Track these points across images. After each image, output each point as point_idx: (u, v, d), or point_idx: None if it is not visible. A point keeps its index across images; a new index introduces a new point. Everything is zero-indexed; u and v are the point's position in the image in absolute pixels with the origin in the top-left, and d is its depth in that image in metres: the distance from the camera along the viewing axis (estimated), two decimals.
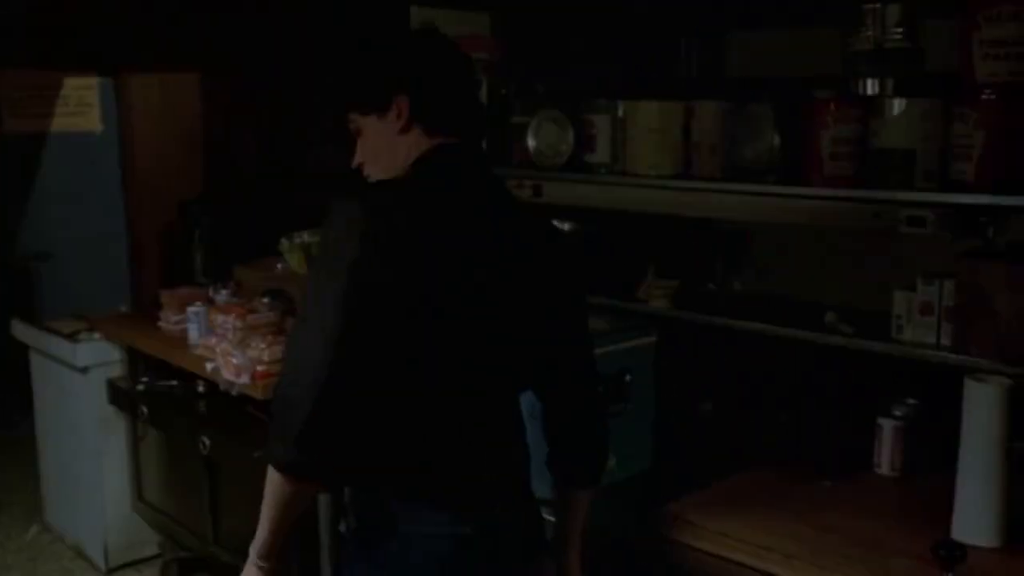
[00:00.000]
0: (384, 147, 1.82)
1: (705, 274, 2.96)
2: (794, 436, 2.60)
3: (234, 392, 3.14)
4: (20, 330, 4.24)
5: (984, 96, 2.02)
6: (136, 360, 3.87)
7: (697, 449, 2.63)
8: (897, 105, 2.16)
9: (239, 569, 1.87)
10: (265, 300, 3.41)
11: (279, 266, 3.62)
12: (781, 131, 2.35)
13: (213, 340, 3.29)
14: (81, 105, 5.59)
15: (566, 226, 3.03)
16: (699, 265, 2.97)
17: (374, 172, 1.85)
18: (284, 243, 3.52)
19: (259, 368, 3.07)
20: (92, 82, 5.59)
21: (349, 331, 1.63)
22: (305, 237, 3.47)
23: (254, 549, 1.82)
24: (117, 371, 3.92)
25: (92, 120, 5.63)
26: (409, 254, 1.69)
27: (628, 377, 2.40)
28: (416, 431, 1.75)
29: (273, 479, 1.73)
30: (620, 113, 2.67)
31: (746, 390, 2.75)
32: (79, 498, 4.09)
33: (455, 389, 1.78)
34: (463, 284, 1.74)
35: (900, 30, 2.22)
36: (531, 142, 2.83)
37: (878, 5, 2.23)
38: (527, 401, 1.93)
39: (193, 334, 3.47)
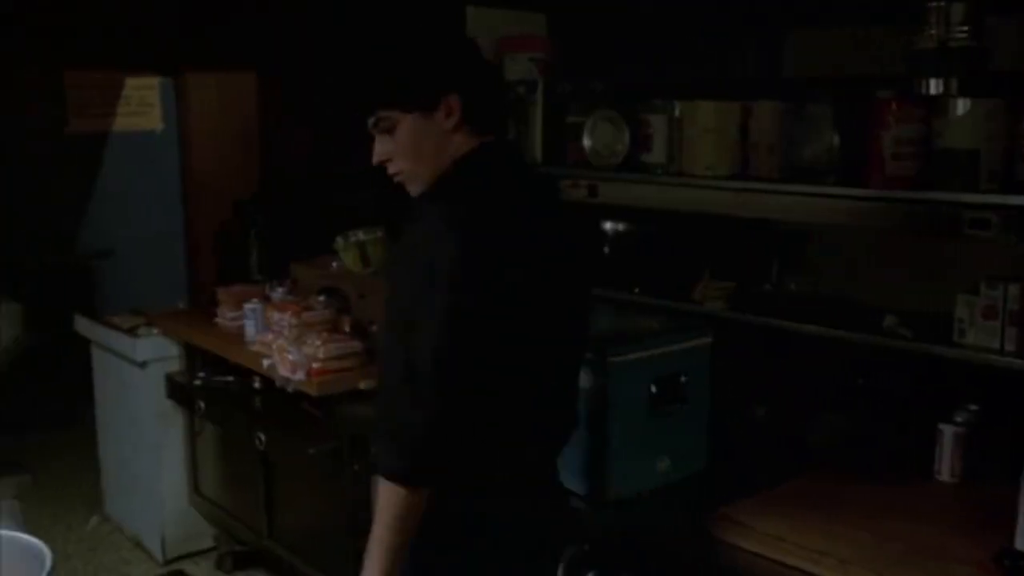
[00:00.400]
0: (428, 146, 1.80)
1: (761, 275, 2.94)
2: (850, 441, 2.57)
3: (290, 389, 3.17)
4: (83, 325, 4.33)
5: None
6: (193, 355, 3.92)
7: (752, 451, 2.61)
8: (961, 105, 2.12)
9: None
10: (321, 298, 3.44)
11: (334, 264, 3.65)
12: (841, 131, 2.32)
13: (269, 337, 3.32)
14: (142, 105, 5.69)
15: (620, 226, 3.03)
16: (755, 266, 2.94)
17: (409, 170, 1.83)
18: (339, 241, 3.54)
19: (314, 365, 3.10)
20: (153, 82, 5.69)
21: (460, 336, 1.65)
22: (360, 235, 3.49)
23: None
24: (175, 366, 3.98)
25: (153, 119, 5.73)
26: (501, 257, 1.72)
27: (683, 378, 2.39)
28: (508, 428, 1.81)
29: (391, 495, 1.69)
30: (677, 113, 2.66)
31: (802, 393, 2.72)
32: (137, 490, 4.16)
33: (540, 387, 1.86)
34: (539, 284, 1.80)
35: (965, 28, 2.18)
36: (587, 142, 2.83)
37: (942, 3, 2.20)
38: None
39: (250, 331, 3.51)
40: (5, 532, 1.61)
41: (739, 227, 2.83)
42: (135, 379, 4.01)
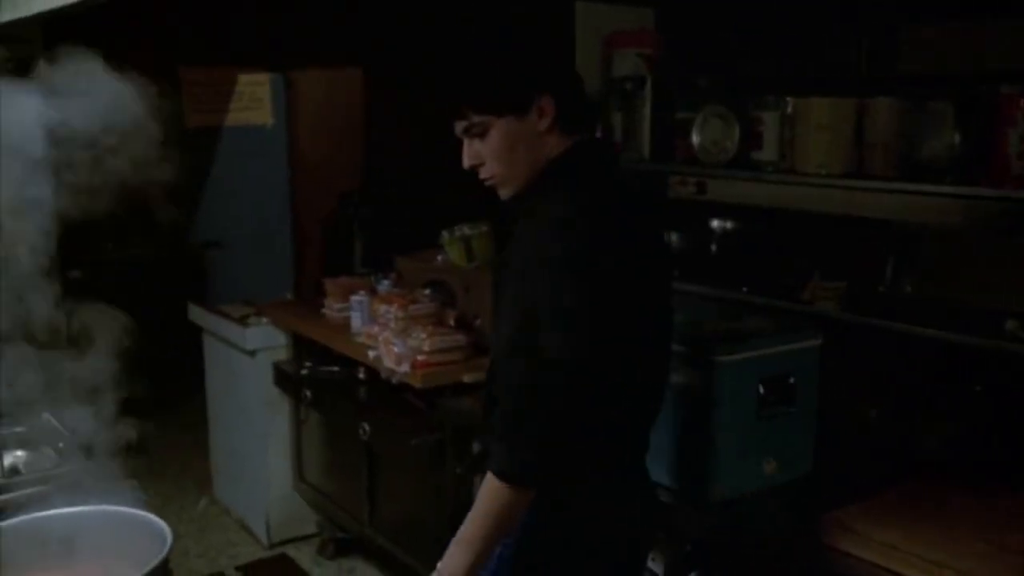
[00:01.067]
0: (524, 148, 1.78)
1: (874, 276, 2.87)
2: (965, 447, 2.49)
3: (394, 380, 3.22)
4: (196, 313, 4.47)
5: None
6: (300, 345, 4.02)
7: (861, 455, 2.55)
8: None
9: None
10: (426, 291, 3.49)
11: (439, 258, 3.69)
12: (962, 129, 2.25)
13: (375, 329, 3.38)
14: (254, 100, 5.83)
15: (728, 224, 2.99)
16: (867, 267, 2.88)
17: (502, 174, 1.81)
18: (445, 236, 3.58)
19: (419, 358, 3.14)
20: (264, 78, 5.83)
21: (588, 330, 1.65)
22: (466, 230, 3.52)
23: (451, 571, 1.72)
24: (282, 355, 4.08)
25: (264, 114, 5.87)
26: (615, 252, 1.73)
27: (792, 379, 2.35)
28: (612, 428, 1.82)
29: (498, 494, 1.67)
30: (789, 110, 2.61)
31: (915, 397, 2.65)
32: (244, 475, 4.28)
33: (641, 386, 1.87)
34: (639, 279, 1.80)
35: None
36: (695, 138, 2.80)
37: None
38: None
39: (356, 322, 3.57)
40: (131, 510, 1.68)
41: (851, 226, 2.77)
42: (244, 367, 4.12)
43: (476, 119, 1.78)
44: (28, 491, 1.87)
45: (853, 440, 2.62)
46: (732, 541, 2.23)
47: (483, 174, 1.83)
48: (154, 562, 1.47)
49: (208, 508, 4.51)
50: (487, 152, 1.79)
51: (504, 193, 1.84)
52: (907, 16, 2.96)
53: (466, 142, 1.82)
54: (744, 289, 2.80)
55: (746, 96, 2.76)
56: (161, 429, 5.08)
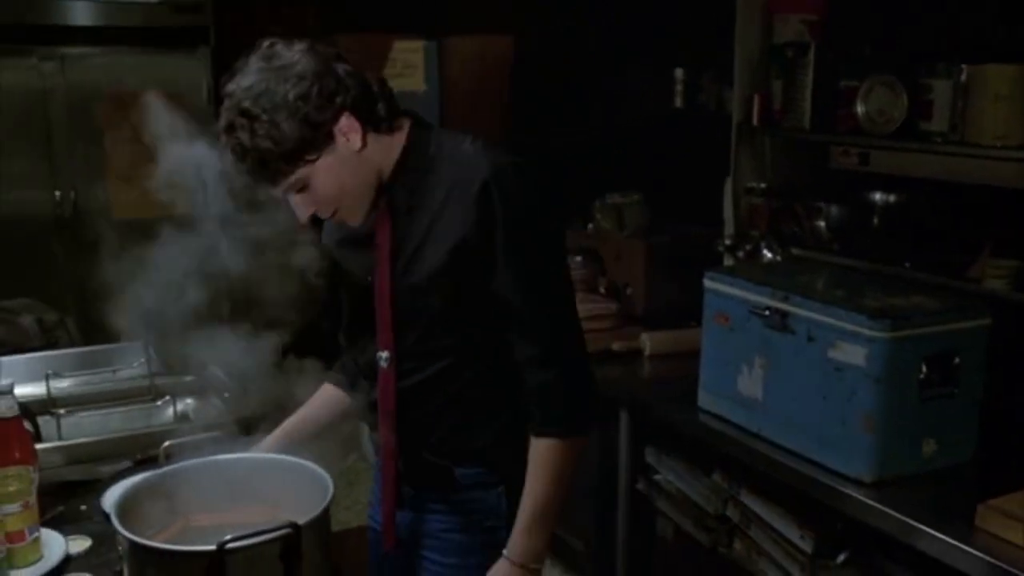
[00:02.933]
0: (350, 175, 1.65)
1: None
2: None
3: None
4: None
5: None
6: None
7: None
8: None
9: None
10: (578, 258, 3.50)
11: (589, 226, 3.69)
12: None
13: None
14: (407, 67, 5.93)
15: (891, 197, 2.88)
16: None
17: (344, 207, 1.68)
18: (597, 204, 3.58)
19: None
20: (418, 45, 5.92)
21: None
22: (617, 198, 3.52)
23: (536, 553, 1.72)
24: None
25: (417, 81, 5.96)
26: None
27: (957, 360, 2.25)
28: None
29: (572, 450, 1.70)
30: (963, 78, 2.49)
31: None
32: None
33: None
34: None
35: None
36: (860, 107, 2.71)
37: None
38: None
39: None
40: (296, 460, 1.76)
41: None
42: None
43: (286, 181, 1.62)
44: (197, 436, 1.97)
45: (1020, 428, 2.50)
46: (884, 522, 2.16)
47: (324, 216, 1.70)
48: (318, 509, 1.54)
49: (356, 463, 4.66)
50: (316, 199, 1.66)
51: (355, 221, 1.72)
52: None
53: (291, 198, 1.67)
54: (907, 265, 2.70)
55: (914, 64, 2.64)
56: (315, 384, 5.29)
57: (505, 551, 1.73)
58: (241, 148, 1.58)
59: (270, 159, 1.58)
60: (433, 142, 1.72)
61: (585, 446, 1.74)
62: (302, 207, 1.67)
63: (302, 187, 1.63)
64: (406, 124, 1.72)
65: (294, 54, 1.59)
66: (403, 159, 1.70)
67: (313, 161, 1.60)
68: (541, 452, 1.70)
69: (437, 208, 1.68)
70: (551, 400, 1.69)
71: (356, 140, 1.63)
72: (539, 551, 1.72)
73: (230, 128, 1.58)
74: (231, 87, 1.59)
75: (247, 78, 1.57)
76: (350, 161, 1.63)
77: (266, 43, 1.61)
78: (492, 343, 1.71)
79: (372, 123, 1.65)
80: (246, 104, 1.56)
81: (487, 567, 1.77)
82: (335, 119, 1.60)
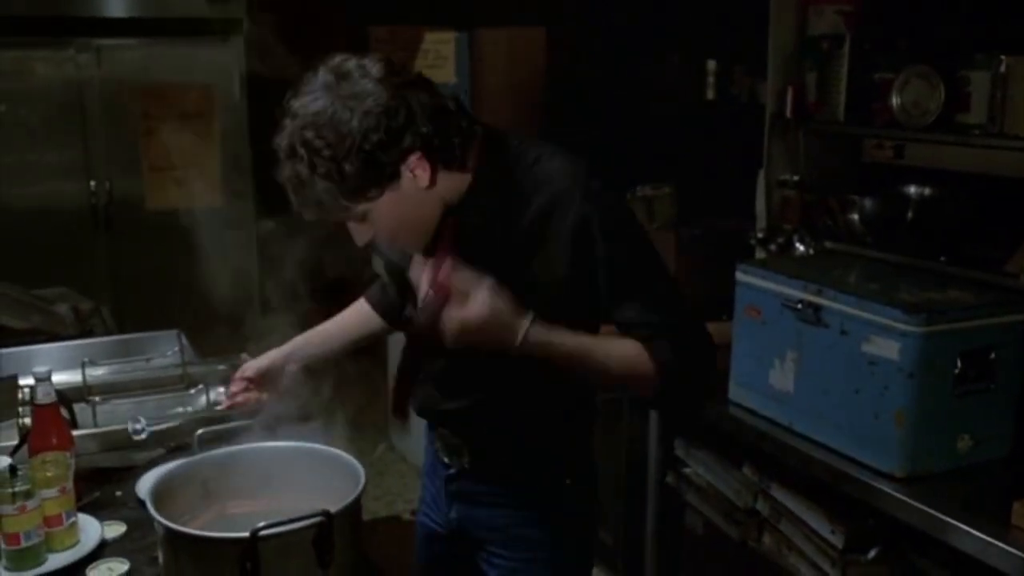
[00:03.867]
0: (414, 209, 1.58)
1: None
2: None
3: None
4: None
5: None
6: None
7: None
8: None
9: None
10: None
11: None
12: None
13: None
14: (438, 58, 5.93)
15: (927, 190, 2.85)
16: None
17: (403, 241, 1.66)
18: (627, 196, 3.57)
19: None
20: (449, 36, 5.92)
21: None
22: (648, 190, 3.51)
23: (540, 346, 1.56)
24: None
25: (447, 72, 5.97)
26: None
27: (994, 355, 2.23)
28: None
29: (654, 377, 1.61)
30: (1003, 69, 2.45)
31: None
32: (419, 423, 4.41)
33: None
34: None
35: None
36: (895, 100, 2.68)
37: None
38: None
39: None
40: (328, 448, 1.77)
41: None
42: None
43: (345, 213, 1.57)
44: (228, 425, 1.98)
45: None
46: (917, 518, 2.14)
47: (382, 244, 1.68)
48: (350, 498, 1.55)
49: (386, 453, 4.69)
50: (376, 231, 1.61)
51: (416, 249, 1.69)
52: None
53: (350, 225, 1.63)
54: (942, 259, 2.67)
55: (951, 56, 2.61)
56: (342, 379, 5.32)
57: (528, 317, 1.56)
58: (298, 180, 1.51)
59: (328, 195, 1.51)
60: (509, 159, 1.64)
61: (659, 386, 1.63)
62: (361, 234, 1.62)
63: (362, 218, 1.58)
64: (476, 147, 1.63)
65: (367, 82, 1.48)
66: (474, 186, 1.62)
67: (375, 198, 1.54)
68: (633, 345, 1.61)
69: (520, 239, 1.61)
70: (670, 352, 1.61)
71: (424, 179, 1.55)
72: (543, 340, 1.56)
73: (290, 153, 1.50)
74: (295, 105, 1.49)
75: (313, 102, 1.47)
76: (415, 197, 1.56)
77: (337, 59, 1.52)
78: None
79: (444, 161, 1.57)
80: (308, 135, 1.47)
81: (556, 562, 1.79)
82: (403, 158, 1.52)
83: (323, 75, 1.50)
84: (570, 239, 1.58)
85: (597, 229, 1.58)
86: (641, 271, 1.64)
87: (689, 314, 1.67)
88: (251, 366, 2.08)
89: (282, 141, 1.51)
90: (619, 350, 1.62)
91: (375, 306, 2.11)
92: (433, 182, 1.56)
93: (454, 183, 1.60)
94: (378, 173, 1.51)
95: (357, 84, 1.48)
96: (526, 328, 1.54)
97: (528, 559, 1.81)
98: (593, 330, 1.68)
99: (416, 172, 1.53)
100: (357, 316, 2.14)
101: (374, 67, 1.50)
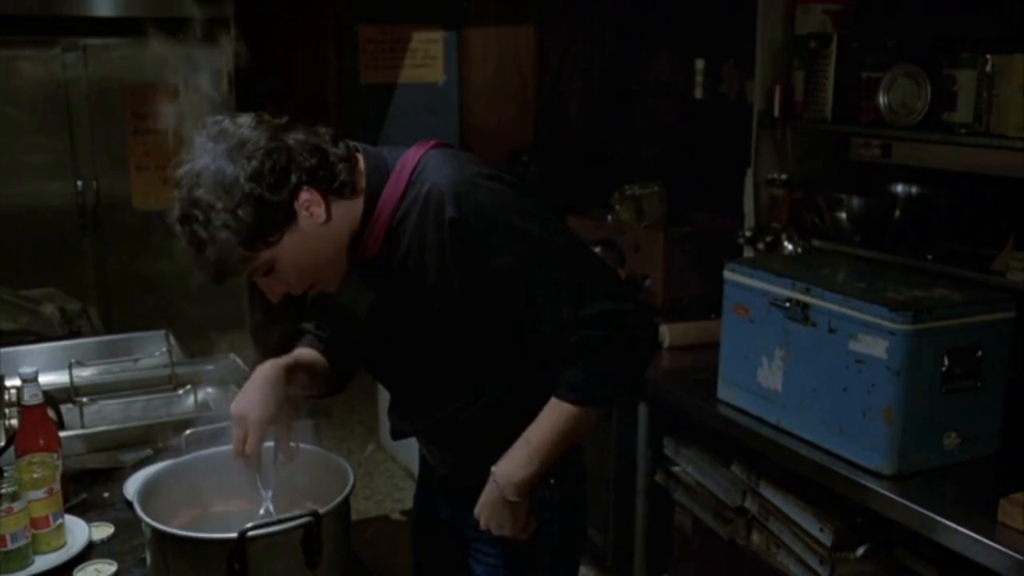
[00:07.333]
0: (319, 246, 1.56)
1: None
2: None
3: None
4: None
5: None
6: None
7: None
8: None
9: None
10: (596, 249, 3.49)
11: (608, 217, 3.69)
12: None
13: None
14: (427, 57, 5.93)
15: (913, 189, 2.86)
16: None
17: (316, 280, 1.62)
18: (615, 195, 3.58)
19: None
20: (438, 35, 5.92)
21: None
22: (636, 190, 3.51)
23: (524, 485, 1.67)
24: None
25: (436, 72, 5.97)
26: None
27: (980, 353, 2.24)
28: None
29: (589, 418, 1.65)
30: (989, 68, 2.46)
31: None
32: None
33: None
34: None
35: None
36: (882, 99, 2.69)
37: None
38: None
39: None
40: (316, 449, 1.77)
41: None
42: None
43: (251, 265, 1.54)
44: (217, 425, 1.97)
45: None
46: (905, 516, 2.15)
47: (297, 292, 1.63)
48: (339, 498, 1.54)
49: (375, 453, 4.69)
50: (285, 279, 1.58)
51: (333, 288, 1.66)
52: None
53: (260, 280, 1.60)
54: (929, 257, 2.68)
55: (937, 55, 2.62)
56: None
57: (494, 467, 1.68)
58: (198, 241, 1.49)
59: (229, 248, 1.48)
60: (387, 174, 1.62)
61: (599, 417, 1.68)
62: (272, 288, 1.60)
63: (268, 269, 1.55)
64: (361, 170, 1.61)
65: (243, 131, 1.50)
66: (368, 211, 1.60)
67: (276, 242, 1.52)
68: (556, 406, 1.64)
69: (412, 264, 1.60)
70: (586, 360, 1.60)
71: (320, 213, 1.53)
72: (519, 480, 1.66)
73: (184, 220, 1.49)
74: (180, 173, 1.50)
75: (196, 162, 1.48)
76: (316, 234, 1.54)
77: (211, 120, 1.53)
78: (518, 340, 1.66)
79: (335, 191, 1.55)
80: (198, 193, 1.47)
81: (542, 560, 1.80)
82: (294, 196, 1.51)
83: (200, 139, 1.51)
84: (450, 253, 1.56)
85: (472, 235, 1.55)
86: (538, 265, 1.58)
87: (609, 290, 1.61)
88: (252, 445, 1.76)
89: (175, 212, 1.51)
90: (550, 419, 1.65)
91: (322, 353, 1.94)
92: (329, 216, 1.55)
93: (351, 209, 1.59)
94: (273, 215, 1.49)
95: (233, 137, 1.49)
96: (503, 490, 1.67)
97: (515, 557, 1.82)
98: (520, 342, 1.66)
99: (311, 209, 1.52)
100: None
101: (246, 119, 1.52)
